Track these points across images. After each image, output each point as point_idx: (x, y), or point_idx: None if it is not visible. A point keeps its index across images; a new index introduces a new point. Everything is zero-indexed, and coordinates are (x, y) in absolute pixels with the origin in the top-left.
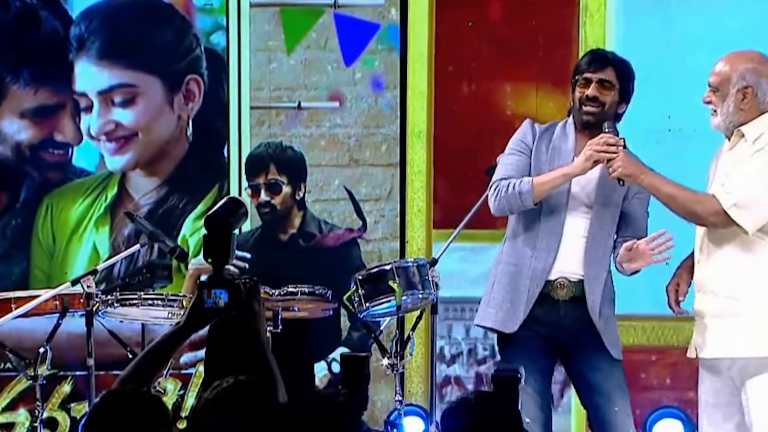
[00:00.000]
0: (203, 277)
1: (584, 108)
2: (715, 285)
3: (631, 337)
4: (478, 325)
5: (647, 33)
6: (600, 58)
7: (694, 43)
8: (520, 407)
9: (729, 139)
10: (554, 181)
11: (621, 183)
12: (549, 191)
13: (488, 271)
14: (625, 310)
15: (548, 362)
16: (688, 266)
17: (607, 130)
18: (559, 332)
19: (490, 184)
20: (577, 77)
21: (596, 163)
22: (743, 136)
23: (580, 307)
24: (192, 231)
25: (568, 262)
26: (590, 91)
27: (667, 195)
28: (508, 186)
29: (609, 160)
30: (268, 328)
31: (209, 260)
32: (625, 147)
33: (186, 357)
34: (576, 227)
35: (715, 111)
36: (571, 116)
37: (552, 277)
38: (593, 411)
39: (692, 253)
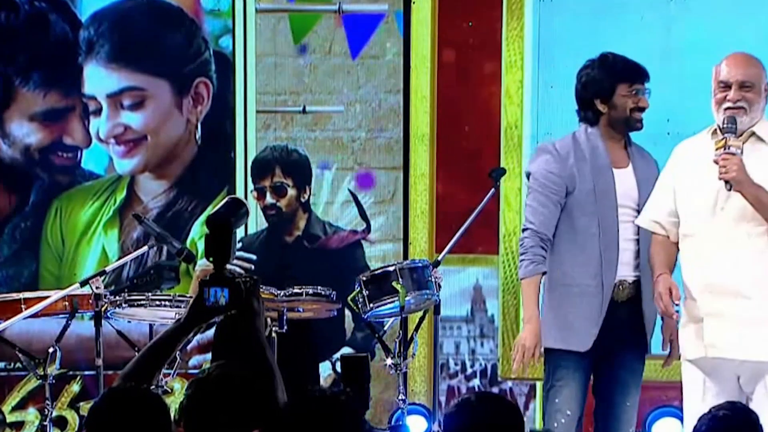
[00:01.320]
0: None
1: (635, 116)
2: (750, 290)
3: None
4: (559, 349)
5: (646, 35)
6: (644, 70)
7: (694, 47)
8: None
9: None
10: (526, 305)
11: (729, 187)
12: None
13: (459, 292)
14: None
15: (591, 362)
16: (668, 269)
17: (727, 125)
18: (611, 331)
19: (525, 225)
20: (618, 85)
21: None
22: (752, 135)
23: (634, 306)
24: (201, 234)
25: (624, 267)
26: (643, 102)
27: None
28: (522, 254)
29: (723, 162)
30: (274, 329)
31: (210, 259)
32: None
33: (195, 359)
34: (626, 232)
35: (743, 109)
36: (591, 124)
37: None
38: (605, 403)
39: (656, 254)
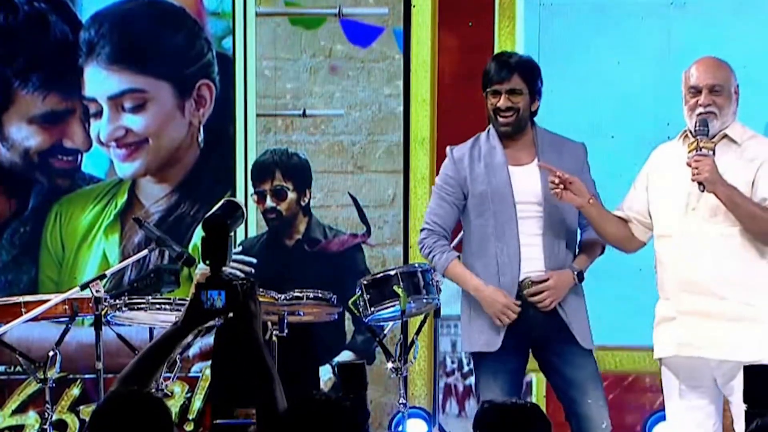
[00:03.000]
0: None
1: (500, 119)
2: (726, 290)
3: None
4: (468, 352)
5: (646, 39)
6: (504, 67)
7: (693, 51)
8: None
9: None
10: (465, 284)
11: (702, 189)
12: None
13: (456, 291)
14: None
15: (520, 361)
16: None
17: (699, 128)
18: (530, 330)
19: (422, 226)
20: (487, 89)
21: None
22: (724, 137)
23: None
24: None
25: (530, 262)
26: (501, 102)
27: (750, 214)
28: (429, 253)
29: (696, 164)
30: (275, 332)
31: (207, 262)
32: (714, 151)
33: (198, 366)
34: (530, 228)
35: (714, 114)
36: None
37: (520, 278)
38: (568, 404)
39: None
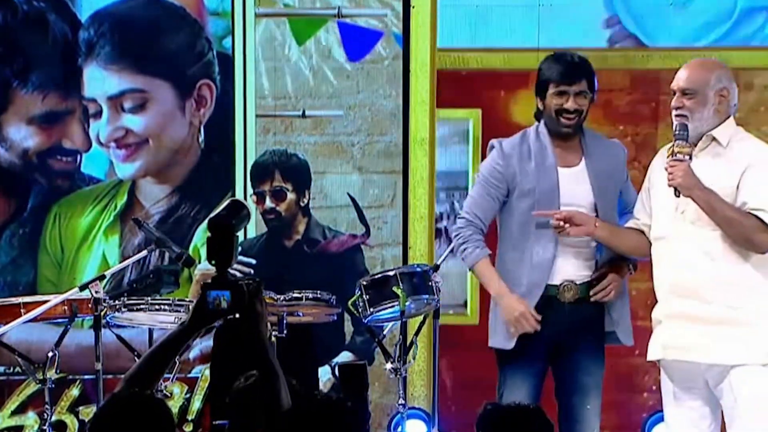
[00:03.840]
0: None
1: (562, 120)
2: (711, 293)
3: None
4: (492, 347)
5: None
6: (574, 70)
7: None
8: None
9: (693, 146)
10: (489, 285)
11: (677, 194)
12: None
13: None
14: None
15: (545, 365)
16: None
17: (677, 132)
18: (562, 333)
19: (461, 215)
20: (549, 86)
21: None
22: (713, 140)
23: (587, 308)
24: (204, 240)
25: (571, 266)
26: (569, 104)
27: (727, 219)
28: (462, 244)
29: (671, 169)
30: (274, 333)
31: (212, 262)
32: (690, 156)
33: (198, 369)
34: None
35: (685, 117)
36: (542, 122)
37: (556, 282)
38: (566, 408)
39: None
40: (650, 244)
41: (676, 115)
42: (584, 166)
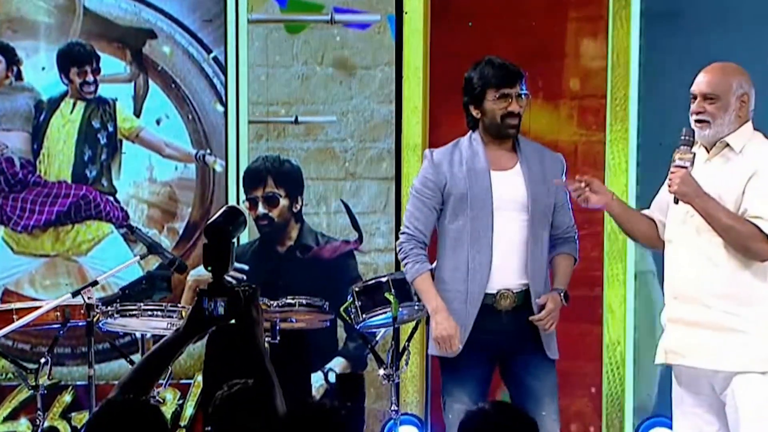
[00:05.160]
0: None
1: (507, 122)
2: (712, 299)
3: None
4: (434, 356)
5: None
6: (514, 73)
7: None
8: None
9: (708, 150)
10: (427, 301)
11: (675, 201)
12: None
13: None
14: None
15: (487, 370)
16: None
17: (684, 138)
18: (501, 340)
19: (402, 230)
20: (488, 92)
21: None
22: (726, 145)
23: (524, 315)
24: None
25: (508, 273)
26: (513, 107)
27: (723, 226)
28: (404, 259)
29: (671, 176)
30: (266, 339)
31: (209, 268)
32: (692, 163)
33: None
34: (514, 235)
35: (707, 122)
36: (475, 131)
37: (493, 290)
38: None
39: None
40: (659, 236)
41: (696, 120)
42: (519, 169)
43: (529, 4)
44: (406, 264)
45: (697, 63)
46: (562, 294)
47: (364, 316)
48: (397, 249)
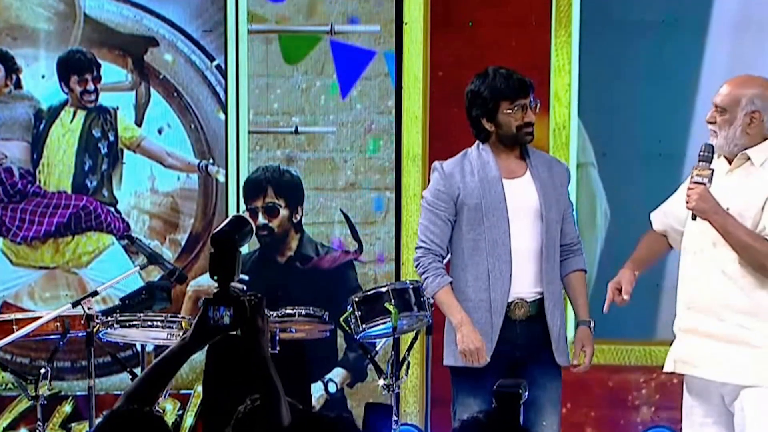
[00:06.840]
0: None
1: (523, 131)
2: (726, 312)
3: (621, 357)
4: (448, 366)
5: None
6: (527, 84)
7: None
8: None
9: (730, 162)
10: (451, 314)
11: (693, 217)
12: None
13: None
14: (614, 332)
15: (496, 381)
16: (633, 264)
17: (702, 153)
18: (514, 349)
19: (418, 244)
20: (501, 104)
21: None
22: (748, 159)
23: (537, 325)
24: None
25: (523, 282)
26: (529, 117)
27: (741, 244)
28: (423, 273)
29: (689, 192)
30: None
31: (215, 277)
32: (710, 179)
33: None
34: (528, 243)
35: (715, 132)
36: (484, 142)
37: (508, 300)
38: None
39: (637, 249)
40: (666, 242)
41: (711, 130)
42: (530, 177)
43: (531, 14)
44: (426, 278)
45: None
46: (591, 326)
47: (363, 326)
48: (414, 264)
